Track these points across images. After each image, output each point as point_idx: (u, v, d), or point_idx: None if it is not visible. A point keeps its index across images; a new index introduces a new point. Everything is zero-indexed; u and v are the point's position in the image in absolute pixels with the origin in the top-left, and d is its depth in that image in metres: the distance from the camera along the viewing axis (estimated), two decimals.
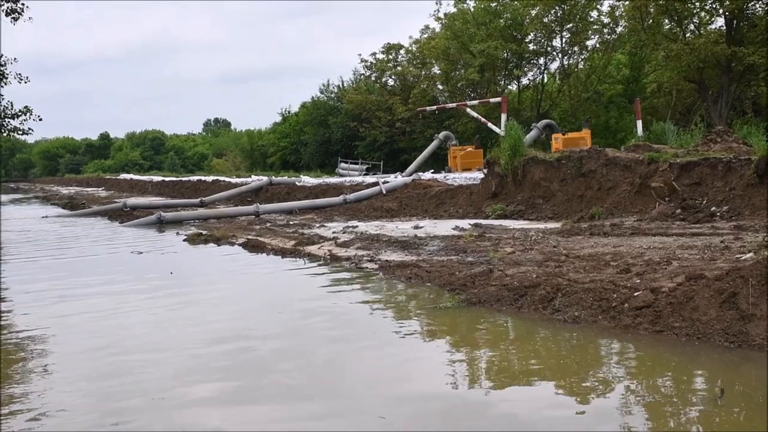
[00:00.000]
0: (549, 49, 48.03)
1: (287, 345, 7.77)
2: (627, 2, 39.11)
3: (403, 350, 7.36)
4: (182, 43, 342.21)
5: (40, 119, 27.70)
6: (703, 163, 16.03)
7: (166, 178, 57.58)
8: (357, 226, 19.14)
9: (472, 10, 49.76)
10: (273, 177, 37.65)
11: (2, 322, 9.30)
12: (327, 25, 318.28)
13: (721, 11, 35.84)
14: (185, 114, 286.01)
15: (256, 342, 7.86)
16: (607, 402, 5.63)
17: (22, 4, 24.42)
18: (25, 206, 44.88)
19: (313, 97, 71.04)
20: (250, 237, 17.39)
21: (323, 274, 12.22)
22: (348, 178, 34.61)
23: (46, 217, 30.06)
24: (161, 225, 23.15)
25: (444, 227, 17.43)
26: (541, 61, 49.58)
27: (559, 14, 44.21)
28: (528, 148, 22.94)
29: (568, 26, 45.08)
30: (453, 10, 51.07)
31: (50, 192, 69.53)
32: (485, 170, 22.70)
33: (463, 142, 41.44)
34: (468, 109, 39.15)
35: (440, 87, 55.77)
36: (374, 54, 59.95)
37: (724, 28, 35.97)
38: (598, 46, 46.61)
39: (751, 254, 9.60)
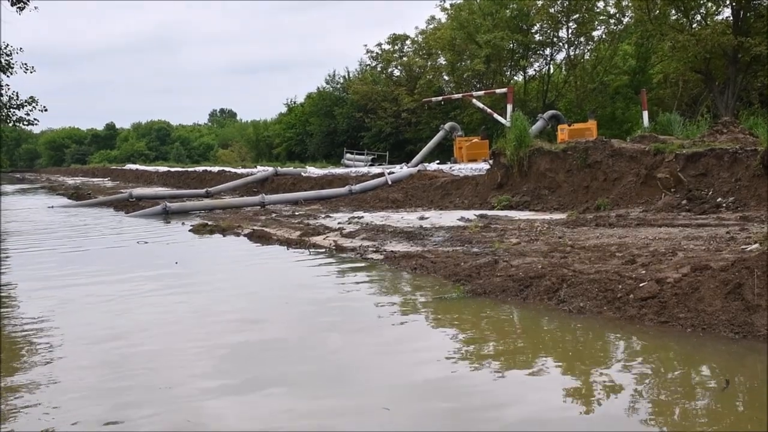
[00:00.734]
0: (555, 39, 47.90)
1: (293, 334, 7.79)
2: None
3: (409, 340, 7.37)
4: (191, 34, 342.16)
5: (46, 110, 27.84)
6: (709, 154, 15.99)
7: (172, 169, 57.62)
8: (362, 217, 19.16)
9: (478, 0, 49.62)
10: (278, 168, 37.68)
11: (7, 309, 9.34)
12: (338, 15, 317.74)
13: (727, 2, 35.68)
14: (191, 104, 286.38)
15: (262, 331, 7.89)
16: (612, 392, 5.64)
17: None
18: (32, 196, 44.98)
19: (318, 88, 71.05)
20: (255, 227, 17.41)
21: (328, 264, 12.24)
22: (353, 169, 34.64)
23: (52, 207, 30.12)
24: (167, 215, 23.18)
25: (449, 218, 17.43)
26: (547, 51, 49.49)
27: (565, 5, 44.03)
28: (534, 139, 22.88)
29: (575, 17, 44.93)
30: (459, 0, 50.99)
31: (56, 182, 69.64)
32: (491, 161, 22.69)
33: (469, 132, 41.42)
34: (474, 100, 39.09)
35: (446, 78, 55.71)
36: (380, 45, 59.98)
37: (731, 18, 35.78)
38: (604, 36, 46.44)
39: (756, 245, 9.58)
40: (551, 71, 50.66)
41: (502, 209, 19.09)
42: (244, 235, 16.44)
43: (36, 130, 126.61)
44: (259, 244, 15.15)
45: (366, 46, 67.07)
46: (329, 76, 71.26)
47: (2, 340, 7.79)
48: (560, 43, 47.92)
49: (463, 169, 26.77)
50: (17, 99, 26.69)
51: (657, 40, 39.72)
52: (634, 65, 46.88)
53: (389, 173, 27.73)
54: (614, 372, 6.12)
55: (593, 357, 6.59)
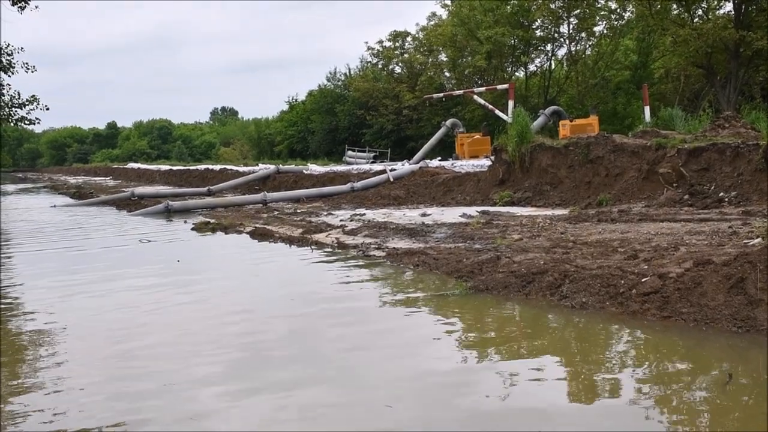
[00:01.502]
0: (556, 35, 47.79)
1: (296, 331, 7.79)
2: None
3: (411, 337, 7.38)
4: (191, 33, 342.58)
5: (47, 109, 27.81)
6: (711, 149, 15.98)
7: (174, 167, 57.65)
8: (364, 214, 19.16)
9: None
10: (280, 165, 37.63)
11: (9, 308, 9.36)
12: (338, 13, 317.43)
13: None
14: (192, 103, 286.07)
15: (265, 329, 7.90)
16: (615, 387, 5.65)
17: None
18: (34, 195, 45.03)
19: (320, 85, 70.99)
20: (257, 225, 17.42)
21: (331, 261, 12.24)
22: (355, 166, 34.59)
23: (55, 206, 30.15)
24: (169, 214, 23.19)
25: (451, 214, 17.43)
26: (549, 47, 49.38)
27: (566, 0, 43.97)
28: (535, 134, 22.87)
29: (576, 12, 44.80)
30: None
31: (58, 181, 69.69)
32: (492, 157, 22.68)
33: (471, 129, 41.36)
34: (475, 96, 39.03)
35: (447, 74, 55.60)
36: (381, 42, 59.85)
37: (733, 12, 35.70)
38: (605, 32, 46.34)
39: (759, 239, 9.58)
40: (552, 67, 50.57)
41: (504, 205, 19.08)
42: (246, 233, 16.44)
43: (38, 129, 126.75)
44: (261, 242, 15.16)
45: (367, 43, 67.01)
46: (330, 73, 71.28)
47: (4, 339, 7.81)
48: (561, 39, 47.84)
49: (465, 165, 26.73)
50: (19, 98, 26.70)
51: (658, 34, 39.66)
52: (635, 60, 46.76)
53: (391, 170, 27.72)
54: (617, 367, 6.12)
55: (596, 352, 6.59)
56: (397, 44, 59.99)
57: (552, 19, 45.82)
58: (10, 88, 26.75)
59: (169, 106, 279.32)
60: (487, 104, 37.50)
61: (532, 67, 51.30)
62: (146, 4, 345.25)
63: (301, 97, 77.93)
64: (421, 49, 57.89)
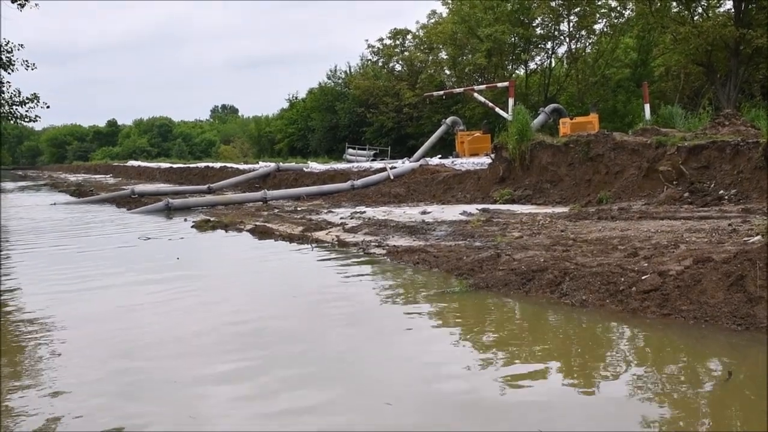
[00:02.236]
0: (556, 33, 47.85)
1: (297, 329, 7.80)
2: None
3: (411, 335, 7.39)
4: (194, 30, 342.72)
5: (48, 107, 27.86)
6: (711, 147, 15.97)
7: (174, 165, 57.58)
8: (365, 212, 19.16)
9: None
10: (280, 163, 37.62)
11: (8, 305, 9.37)
12: (339, 14, 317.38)
13: None
14: (193, 101, 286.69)
15: (265, 327, 7.90)
16: (615, 385, 5.66)
17: None
18: (34, 193, 45.01)
19: (320, 83, 71.01)
20: (258, 223, 17.42)
21: (331, 259, 12.26)
22: (355, 164, 34.59)
23: (55, 204, 30.14)
24: (169, 212, 23.19)
25: (451, 212, 17.43)
26: (549, 45, 49.46)
27: None
28: (535, 132, 22.85)
29: (576, 10, 44.84)
30: None
31: (58, 179, 69.63)
32: (493, 155, 22.67)
33: (471, 127, 41.33)
34: (475, 94, 39.03)
35: (447, 72, 55.67)
36: (381, 39, 59.88)
37: (733, 10, 35.72)
38: (605, 29, 46.37)
39: (758, 237, 9.59)
40: (553, 65, 50.63)
41: (504, 203, 19.08)
42: (247, 231, 16.44)
43: (38, 127, 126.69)
44: (261, 240, 15.17)
45: (367, 41, 66.88)
46: (330, 71, 71.28)
47: (3, 337, 7.82)
48: (561, 37, 47.90)
49: (465, 163, 26.71)
50: (19, 96, 26.73)
51: (658, 32, 39.68)
52: (635, 58, 46.79)
53: (391, 168, 27.72)
54: (617, 364, 6.13)
55: (595, 349, 6.61)
56: (397, 42, 60.03)
57: (552, 16, 45.87)
58: (10, 86, 26.79)
59: (169, 104, 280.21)
60: (487, 102, 37.50)
61: (532, 65, 51.44)
62: (147, 3, 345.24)
63: (302, 95, 78.12)
64: (422, 47, 57.95)
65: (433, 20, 56.88)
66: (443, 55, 55.24)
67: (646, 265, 8.49)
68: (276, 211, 21.39)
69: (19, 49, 26.28)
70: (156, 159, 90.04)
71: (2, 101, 26.58)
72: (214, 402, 5.61)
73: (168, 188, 34.78)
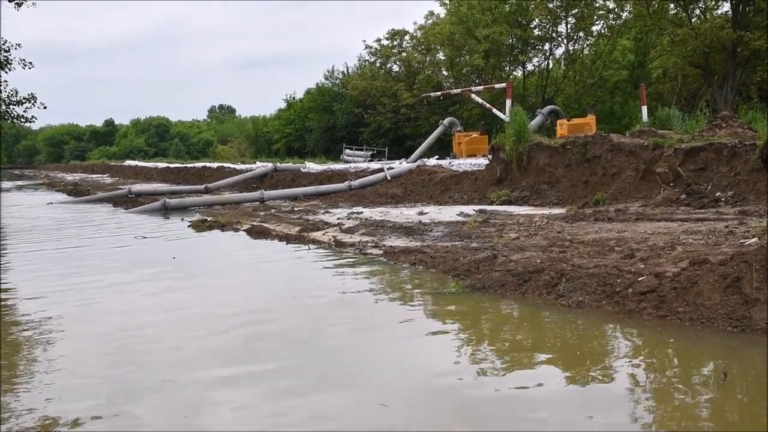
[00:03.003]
0: (554, 34, 47.82)
1: (292, 329, 7.79)
2: None
3: (407, 335, 7.38)
4: (193, 30, 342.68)
5: (45, 107, 27.76)
6: (708, 149, 15.99)
7: (171, 165, 57.52)
8: (362, 213, 19.16)
9: None
10: (278, 163, 37.60)
11: (7, 307, 9.36)
12: (339, 10, 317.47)
13: None
14: (190, 101, 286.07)
15: (260, 328, 7.88)
16: (611, 386, 5.66)
17: None
18: (31, 192, 44.96)
19: (318, 84, 70.92)
20: (254, 223, 17.41)
21: (328, 260, 12.25)
22: (353, 165, 34.60)
23: (51, 203, 30.11)
24: (166, 211, 23.17)
25: (448, 213, 17.43)
26: (546, 46, 49.40)
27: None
28: (533, 134, 22.84)
29: (573, 11, 44.84)
30: None
31: (55, 179, 69.54)
32: (490, 156, 22.68)
33: (468, 128, 41.32)
34: (473, 95, 39.02)
35: (445, 73, 55.63)
36: (379, 40, 59.84)
37: (730, 12, 35.74)
38: (603, 31, 46.38)
39: (755, 239, 9.59)
40: (550, 66, 50.60)
41: (501, 204, 19.08)
42: (243, 231, 16.44)
43: (35, 126, 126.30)
44: (258, 240, 15.15)
45: (365, 41, 66.78)
46: (328, 71, 71.14)
47: (2, 335, 7.81)
48: (559, 38, 47.86)
49: (462, 164, 26.73)
50: (16, 96, 26.64)
51: (656, 34, 39.69)
52: (633, 60, 46.82)
53: (388, 169, 27.72)
54: (613, 365, 6.13)
55: (591, 351, 6.60)
56: (395, 43, 60.00)
57: (550, 18, 45.87)
58: (7, 85, 26.71)
59: (167, 104, 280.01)
60: (484, 103, 37.49)
61: (529, 66, 51.37)
62: (148, 3, 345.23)
63: (299, 95, 77.98)
64: (419, 48, 57.90)
65: (430, 21, 56.91)
66: (441, 56, 55.21)
67: (642, 266, 8.49)
68: (273, 211, 21.39)
69: (16, 48, 26.20)
70: (153, 159, 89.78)
71: None
72: (212, 401, 5.60)
73: (165, 188, 34.74)
